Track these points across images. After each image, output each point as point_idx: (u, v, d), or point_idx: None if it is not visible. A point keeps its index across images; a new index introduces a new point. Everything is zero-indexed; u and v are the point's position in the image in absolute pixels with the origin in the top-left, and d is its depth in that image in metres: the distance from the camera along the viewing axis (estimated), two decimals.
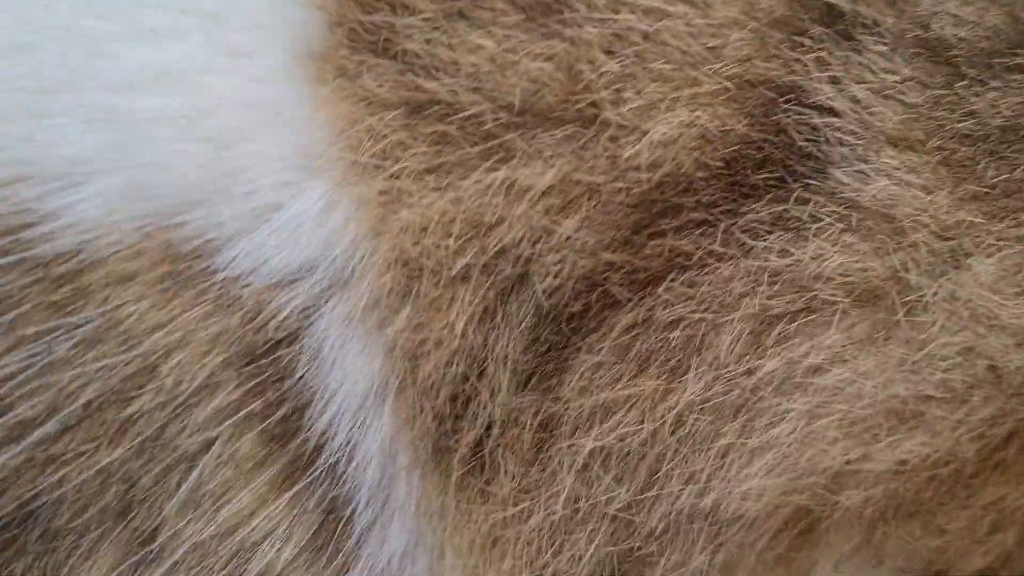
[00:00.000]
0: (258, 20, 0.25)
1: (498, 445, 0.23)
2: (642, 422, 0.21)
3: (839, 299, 0.21)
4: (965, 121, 0.21)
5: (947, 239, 0.21)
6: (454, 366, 0.22)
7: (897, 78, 0.21)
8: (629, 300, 0.22)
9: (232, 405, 0.23)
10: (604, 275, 0.22)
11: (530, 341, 0.22)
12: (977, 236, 0.21)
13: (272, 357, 0.23)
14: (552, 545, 0.22)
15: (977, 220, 0.21)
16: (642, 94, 0.22)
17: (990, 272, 0.20)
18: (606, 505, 0.22)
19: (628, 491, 0.22)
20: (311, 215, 0.24)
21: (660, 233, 0.22)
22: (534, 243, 0.22)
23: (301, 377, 0.23)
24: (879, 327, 0.21)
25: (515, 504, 0.22)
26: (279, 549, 0.23)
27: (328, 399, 0.23)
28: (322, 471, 0.23)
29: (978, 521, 0.20)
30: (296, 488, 0.23)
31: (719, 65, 0.22)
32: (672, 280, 0.22)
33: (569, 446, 0.22)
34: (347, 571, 0.23)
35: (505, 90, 0.23)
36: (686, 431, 0.21)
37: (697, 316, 0.21)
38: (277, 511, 0.23)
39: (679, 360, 0.21)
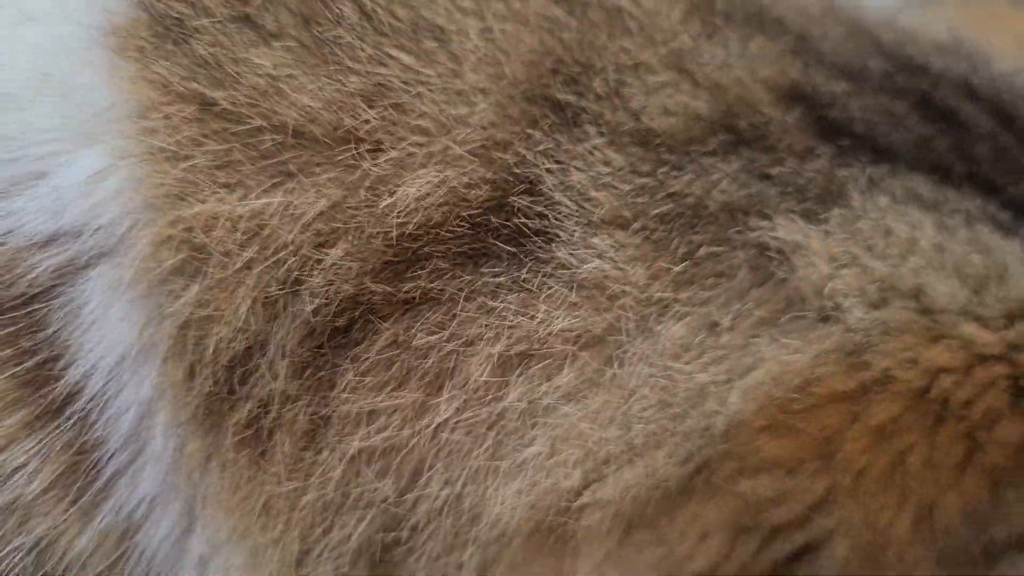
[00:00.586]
0: None
1: (276, 424, 0.25)
2: (402, 428, 0.24)
3: (569, 348, 0.24)
4: (664, 204, 0.25)
5: (646, 306, 0.25)
6: (236, 343, 0.24)
7: (610, 169, 0.25)
8: (389, 322, 0.25)
9: None
10: (367, 299, 0.25)
11: (305, 335, 0.25)
12: (667, 304, 0.25)
13: (26, 311, 0.25)
14: (323, 523, 0.25)
15: (667, 293, 0.24)
16: (398, 148, 0.25)
17: (675, 337, 0.24)
18: (373, 495, 0.24)
19: (393, 486, 0.24)
20: (79, 184, 0.25)
21: (414, 275, 0.25)
22: (302, 265, 0.25)
23: (56, 331, 0.25)
24: (603, 372, 0.25)
25: (289, 479, 0.25)
26: (28, 482, 0.25)
27: (84, 355, 0.25)
28: (74, 417, 0.25)
29: (687, 531, 0.24)
30: (47, 430, 0.25)
31: (466, 132, 0.25)
32: (427, 312, 0.25)
33: (339, 440, 0.24)
34: (96, 508, 0.25)
35: (280, 113, 0.25)
36: (443, 443, 0.24)
37: (449, 347, 0.24)
38: (27, 449, 0.25)
39: (434, 380, 0.24)
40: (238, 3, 0.26)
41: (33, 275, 0.25)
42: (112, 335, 0.25)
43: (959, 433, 0.22)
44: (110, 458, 0.26)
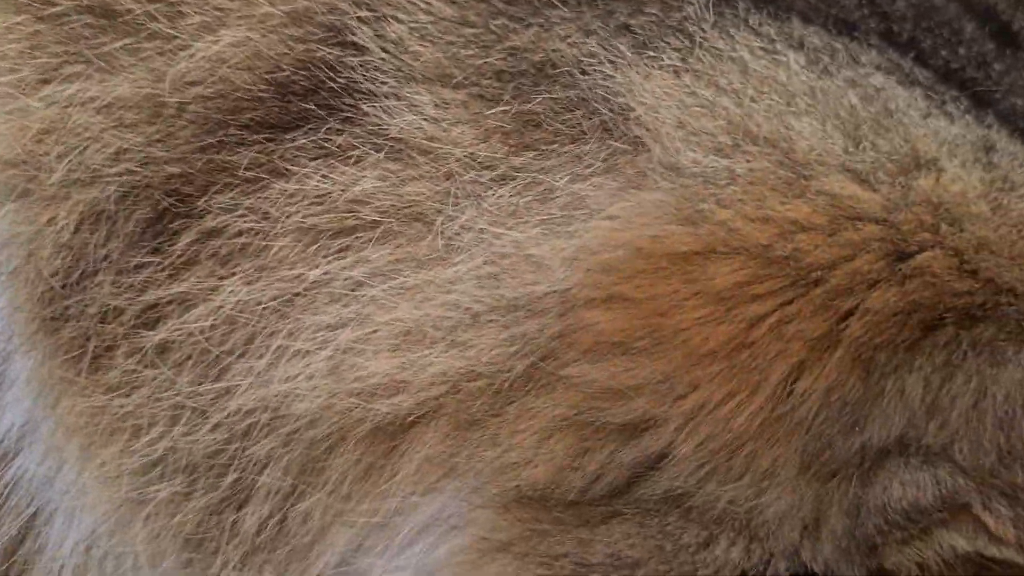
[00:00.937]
0: None
1: (102, 338, 0.24)
2: (198, 320, 0.23)
3: (384, 220, 0.22)
4: (501, 59, 0.22)
5: (473, 170, 0.22)
6: (62, 258, 0.24)
7: (433, 18, 0.22)
8: (190, 209, 0.24)
9: None
10: (169, 186, 0.23)
11: (127, 244, 0.24)
12: (496, 168, 0.21)
13: None
14: (147, 430, 0.24)
15: (497, 155, 0.21)
16: (201, 13, 0.23)
17: (505, 203, 0.21)
18: (188, 398, 0.23)
19: (201, 384, 0.23)
20: None
21: (214, 148, 0.23)
22: (113, 156, 0.24)
23: None
24: (424, 247, 0.22)
25: (115, 390, 0.24)
26: None
27: None
28: None
29: (523, 431, 0.21)
30: None
31: None
32: (226, 192, 0.23)
33: (143, 338, 0.24)
34: None
35: None
36: (241, 328, 0.23)
37: (248, 225, 0.23)
38: None
39: (230, 261, 0.23)
40: None
41: None
42: None
43: (819, 301, 0.18)
44: None
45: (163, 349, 0.24)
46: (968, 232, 0.19)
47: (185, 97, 0.23)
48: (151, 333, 0.23)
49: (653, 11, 0.22)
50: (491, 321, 0.21)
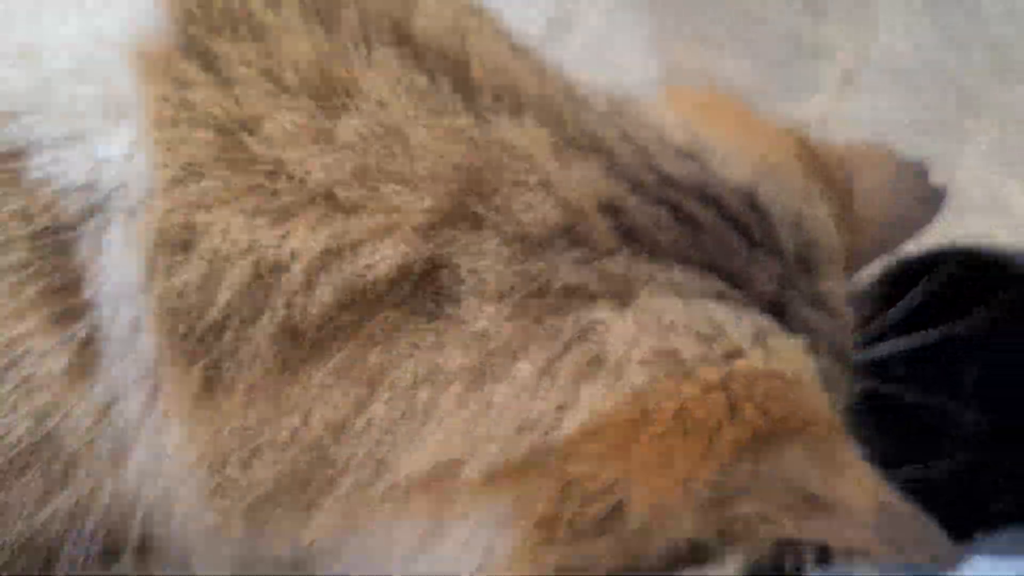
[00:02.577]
0: None
1: (236, 373, 0.34)
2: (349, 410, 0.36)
3: (459, 372, 0.37)
4: (527, 283, 0.38)
5: (508, 351, 0.38)
6: (214, 315, 0.34)
7: (500, 259, 0.37)
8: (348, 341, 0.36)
9: (20, 261, 0.33)
10: (334, 322, 0.36)
11: (280, 332, 0.35)
12: (520, 351, 0.38)
13: (54, 239, 0.33)
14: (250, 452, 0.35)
15: (521, 343, 0.38)
16: (373, 218, 0.35)
17: (524, 374, 0.38)
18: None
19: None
20: (114, 154, 0.34)
21: (368, 310, 0.36)
22: (289, 288, 0.35)
23: (78, 259, 0.34)
24: (477, 391, 0.37)
25: (241, 418, 0.35)
26: (43, 364, 0.33)
27: (98, 282, 0.34)
28: (88, 322, 0.34)
29: (529, 493, 0.38)
30: (65, 328, 0.34)
31: (416, 216, 0.36)
32: (376, 337, 0.36)
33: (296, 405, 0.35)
34: (92, 386, 0.34)
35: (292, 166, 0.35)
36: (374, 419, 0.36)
37: (385, 360, 0.36)
38: (48, 339, 0.33)
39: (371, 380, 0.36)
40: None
41: (68, 213, 0.33)
42: (119, 274, 0.34)
43: (699, 438, 0.38)
44: (108, 355, 0.34)
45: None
46: (759, 387, 0.39)
47: (359, 271, 0.36)
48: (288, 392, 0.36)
49: (606, 260, 0.39)
50: (511, 441, 0.38)
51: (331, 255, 0.35)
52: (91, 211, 0.33)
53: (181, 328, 0.34)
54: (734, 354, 0.39)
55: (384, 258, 0.35)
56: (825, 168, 0.50)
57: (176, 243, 0.33)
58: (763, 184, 0.46)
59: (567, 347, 0.38)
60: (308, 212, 0.34)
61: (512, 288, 0.38)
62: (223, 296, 0.33)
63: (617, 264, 0.39)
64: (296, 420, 0.36)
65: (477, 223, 0.37)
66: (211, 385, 0.35)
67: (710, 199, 0.43)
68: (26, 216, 0.33)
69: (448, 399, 0.37)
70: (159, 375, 0.35)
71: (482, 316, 0.37)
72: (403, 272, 0.35)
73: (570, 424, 0.37)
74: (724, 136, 0.47)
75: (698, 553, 0.40)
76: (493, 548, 0.39)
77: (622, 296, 0.39)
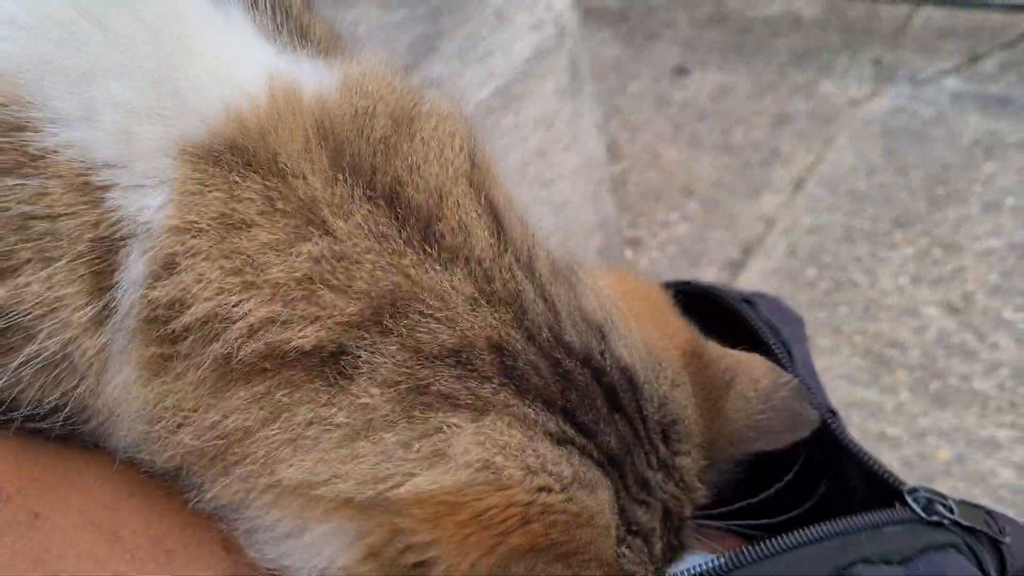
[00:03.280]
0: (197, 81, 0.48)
1: (187, 351, 0.47)
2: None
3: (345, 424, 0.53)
4: (406, 380, 0.53)
5: (374, 413, 0.53)
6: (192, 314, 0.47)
7: (395, 362, 0.53)
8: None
9: (83, 250, 0.46)
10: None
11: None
12: (389, 421, 0.52)
13: (110, 242, 0.46)
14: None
15: (392, 415, 0.52)
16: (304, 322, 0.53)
17: (389, 441, 0.52)
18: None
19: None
20: (154, 205, 0.48)
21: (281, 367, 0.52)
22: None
23: (118, 259, 0.46)
24: (352, 439, 0.53)
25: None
26: (77, 314, 0.46)
27: (123, 274, 0.47)
28: (111, 296, 0.46)
29: (354, 529, 0.53)
30: (100, 296, 0.46)
31: (339, 315, 0.53)
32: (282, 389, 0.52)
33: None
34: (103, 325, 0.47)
35: None
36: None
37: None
38: (84, 299, 0.47)
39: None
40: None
41: (119, 230, 0.47)
42: (133, 273, 0.47)
43: (493, 534, 0.51)
44: (116, 317, 0.47)
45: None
46: (550, 516, 0.52)
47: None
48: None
49: (485, 386, 0.53)
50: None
51: (270, 323, 0.48)
52: (132, 232, 0.49)
53: (152, 326, 0.46)
54: (543, 488, 0.52)
55: (305, 335, 0.47)
56: (707, 367, 0.62)
57: (166, 266, 0.46)
58: (644, 366, 0.59)
59: (424, 434, 0.52)
60: (263, 291, 0.47)
61: (398, 382, 0.51)
62: (185, 319, 0.46)
63: (485, 388, 0.53)
64: (218, 416, 0.50)
65: (385, 331, 0.50)
66: (166, 367, 0.46)
67: (592, 366, 0.56)
68: (95, 225, 0.49)
69: (327, 440, 0.51)
70: (133, 344, 0.47)
71: (367, 395, 0.50)
72: (317, 349, 0.47)
73: (408, 489, 0.51)
74: (632, 315, 0.60)
75: None
76: (335, 560, 0.53)
77: (479, 412, 0.52)
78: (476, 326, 0.52)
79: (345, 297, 0.48)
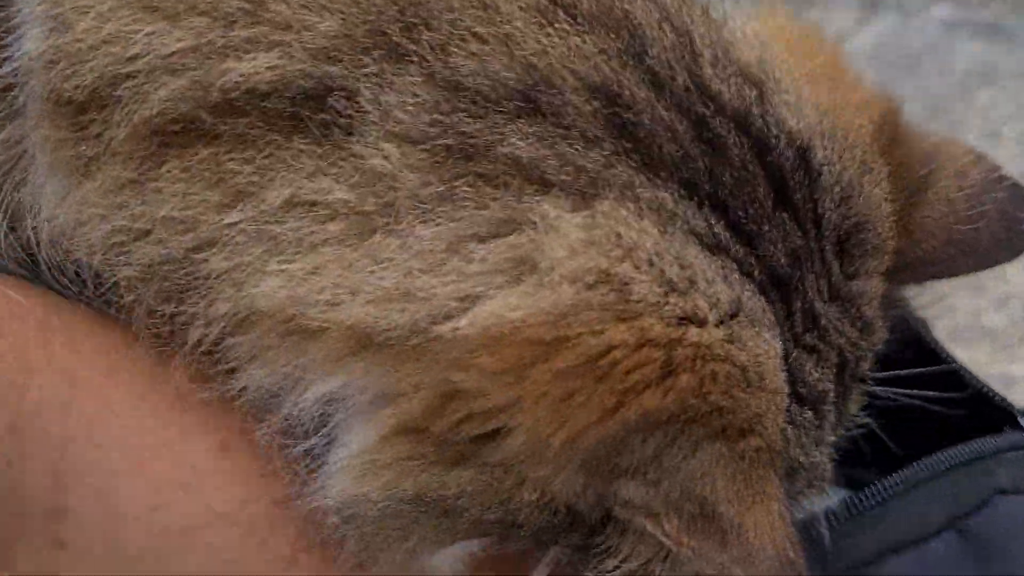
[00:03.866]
0: None
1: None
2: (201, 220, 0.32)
3: (343, 210, 0.31)
4: (450, 137, 0.31)
5: (411, 207, 0.31)
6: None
7: (417, 100, 0.31)
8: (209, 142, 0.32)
9: None
10: (196, 121, 0.32)
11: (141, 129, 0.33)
12: (427, 211, 0.31)
13: None
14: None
15: (429, 203, 0.31)
16: (249, 29, 0.31)
17: (425, 240, 0.31)
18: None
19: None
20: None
21: (235, 119, 0.32)
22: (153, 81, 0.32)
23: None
24: (364, 238, 0.31)
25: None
26: None
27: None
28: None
29: (406, 377, 0.31)
30: None
31: (311, 36, 0.31)
32: (240, 146, 0.32)
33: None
34: None
35: None
36: (228, 237, 0.32)
37: (251, 176, 0.31)
38: None
39: (235, 194, 0.32)
40: None
41: None
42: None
43: (613, 391, 0.30)
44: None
45: None
46: (707, 365, 0.32)
47: (222, 79, 0.32)
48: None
49: (577, 146, 0.32)
50: (395, 308, 0.31)
51: (197, 55, 0.31)
52: None
53: (56, 98, 0.33)
54: (694, 318, 0.31)
55: (255, 70, 0.31)
56: (905, 153, 0.40)
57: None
58: (824, 140, 0.37)
59: (492, 231, 0.31)
60: (192, 19, 0.31)
61: (428, 137, 0.31)
62: (89, 80, 0.32)
63: (590, 157, 0.32)
64: (153, 209, 0.32)
65: (397, 56, 0.31)
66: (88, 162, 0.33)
67: (750, 132, 0.35)
68: None
69: (321, 235, 0.31)
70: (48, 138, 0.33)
71: (380, 154, 0.31)
72: (281, 87, 0.31)
73: (469, 321, 0.30)
74: (802, 74, 0.39)
75: (574, 531, 0.33)
76: (350, 438, 0.33)
77: (583, 194, 0.31)
78: (556, 56, 0.32)
79: (318, 9, 0.32)
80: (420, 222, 0.31)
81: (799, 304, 0.36)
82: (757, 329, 0.33)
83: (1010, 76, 2.19)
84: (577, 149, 0.32)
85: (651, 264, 0.31)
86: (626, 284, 0.30)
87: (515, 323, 0.30)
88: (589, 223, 0.31)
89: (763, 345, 0.33)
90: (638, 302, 0.31)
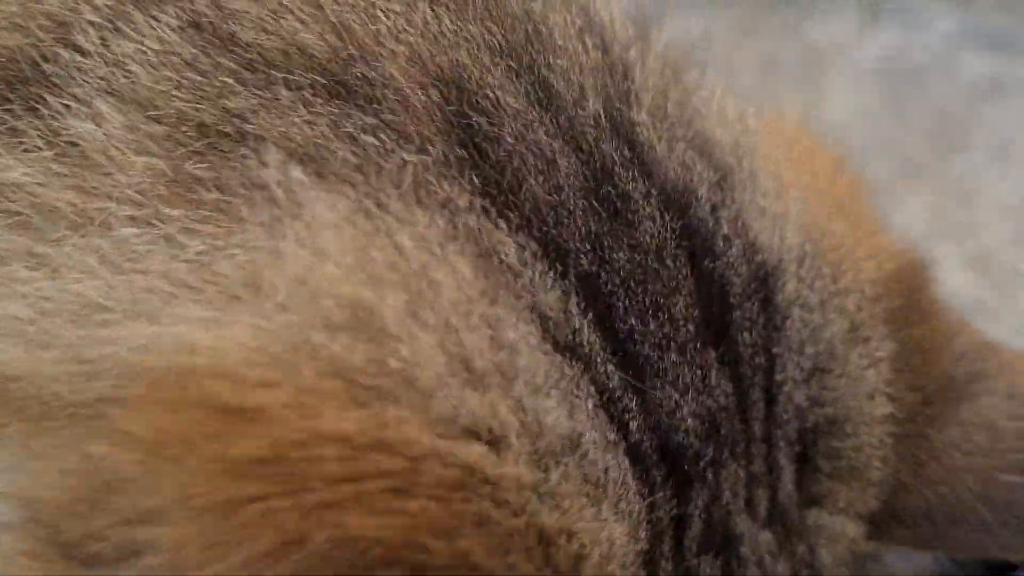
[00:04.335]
0: None
1: None
2: None
3: (23, 210, 0.21)
4: (211, 113, 0.21)
5: (128, 202, 0.21)
6: None
7: (164, 48, 0.22)
8: None
9: None
10: None
11: None
12: (146, 208, 0.20)
13: None
14: None
15: (155, 197, 0.20)
16: None
17: (128, 246, 0.20)
18: None
19: None
20: None
21: None
22: None
23: None
24: (41, 243, 0.21)
25: None
26: None
27: None
28: None
29: (53, 451, 0.20)
30: None
31: None
32: None
33: None
34: None
35: None
36: None
37: None
38: None
39: None
40: None
41: None
42: None
43: (308, 509, 0.18)
44: None
45: None
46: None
47: None
48: None
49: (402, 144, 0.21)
50: (60, 347, 0.20)
51: None
52: None
53: None
54: (484, 434, 0.19)
55: None
56: (927, 334, 0.27)
57: None
58: (801, 270, 0.25)
59: (219, 237, 0.20)
60: None
61: (173, 104, 0.22)
62: None
63: (404, 158, 0.20)
64: None
65: None
66: None
67: (685, 214, 0.24)
68: None
69: None
70: None
71: (92, 117, 0.22)
72: None
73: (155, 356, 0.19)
74: (799, 189, 0.27)
75: None
76: None
77: (317, 165, 0.20)
78: (389, 24, 0.23)
79: None
80: (122, 225, 0.21)
81: (700, 504, 0.23)
82: (598, 503, 0.20)
83: (1019, 89, 2.12)
84: (392, 144, 0.21)
85: (446, 326, 0.19)
86: (390, 344, 0.18)
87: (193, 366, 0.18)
88: (356, 234, 0.19)
89: (597, 528, 0.20)
90: (399, 377, 0.18)
